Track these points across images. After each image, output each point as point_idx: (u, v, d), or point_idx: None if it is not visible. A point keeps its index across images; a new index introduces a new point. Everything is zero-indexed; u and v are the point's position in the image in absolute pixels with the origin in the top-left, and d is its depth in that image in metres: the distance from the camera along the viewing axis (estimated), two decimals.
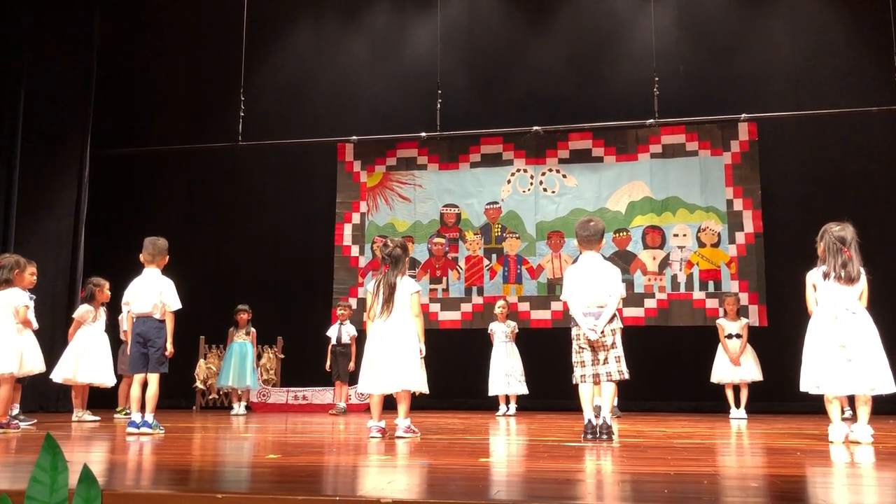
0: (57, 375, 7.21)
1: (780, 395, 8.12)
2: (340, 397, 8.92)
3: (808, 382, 4.74)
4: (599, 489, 2.77)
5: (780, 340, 8.29)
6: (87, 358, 7.28)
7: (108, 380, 7.43)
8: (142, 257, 5.76)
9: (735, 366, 7.91)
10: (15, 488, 2.63)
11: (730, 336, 8.03)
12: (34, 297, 6.26)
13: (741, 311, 8.42)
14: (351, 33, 10.69)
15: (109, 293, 7.56)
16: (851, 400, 5.06)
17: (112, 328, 7.85)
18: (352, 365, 8.74)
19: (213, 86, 10.36)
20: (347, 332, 8.98)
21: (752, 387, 7.96)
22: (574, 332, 4.86)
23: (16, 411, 6.48)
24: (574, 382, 4.85)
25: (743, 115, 9.14)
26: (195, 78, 10.69)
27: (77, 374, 7.25)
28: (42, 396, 8.40)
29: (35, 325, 6.14)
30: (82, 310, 7.49)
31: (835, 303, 4.68)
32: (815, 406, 6.19)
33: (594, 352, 4.78)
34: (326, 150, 10.40)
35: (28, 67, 8.72)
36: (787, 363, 6.78)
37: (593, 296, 4.81)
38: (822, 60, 9.37)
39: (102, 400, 8.16)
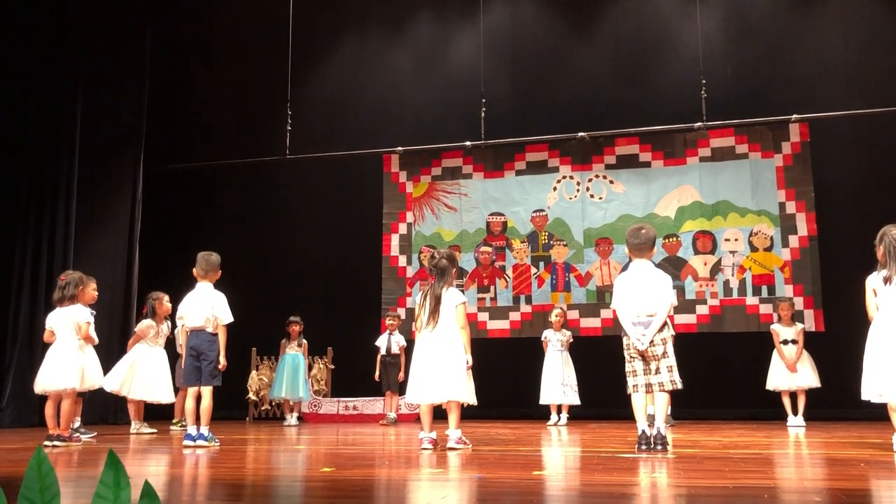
0: (107, 385, 7.33)
1: (838, 401, 7.90)
2: (391, 408, 8.95)
3: (871, 390, 4.60)
4: None
5: (837, 346, 8.08)
6: (141, 374, 7.43)
7: (164, 397, 7.57)
8: (195, 272, 5.87)
9: (791, 372, 7.73)
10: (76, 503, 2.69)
11: (785, 342, 7.85)
12: (94, 312, 6.42)
13: (796, 316, 8.22)
14: (395, 45, 10.78)
15: (169, 305, 7.71)
16: None
17: (169, 342, 8.01)
18: (401, 375, 8.76)
19: (261, 101, 10.53)
20: (396, 342, 9.01)
21: (810, 393, 7.76)
22: (625, 341, 4.80)
23: (77, 424, 6.64)
24: (627, 392, 4.79)
25: (794, 116, 8.94)
26: (243, 93, 10.88)
27: (125, 389, 7.40)
28: (103, 408, 8.61)
29: (96, 340, 6.29)
30: (144, 324, 7.66)
31: None
32: (875, 413, 6.03)
33: (645, 361, 4.71)
34: (372, 161, 10.48)
35: (83, 86, 8.97)
36: (846, 369, 6.61)
37: (643, 305, 4.75)
38: (875, 58, 9.12)
39: (159, 412, 8.32)
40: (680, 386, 4.69)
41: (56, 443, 5.72)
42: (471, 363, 5.19)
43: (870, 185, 8.89)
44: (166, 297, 7.74)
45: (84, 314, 6.13)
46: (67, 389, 5.91)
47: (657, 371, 4.68)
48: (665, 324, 4.73)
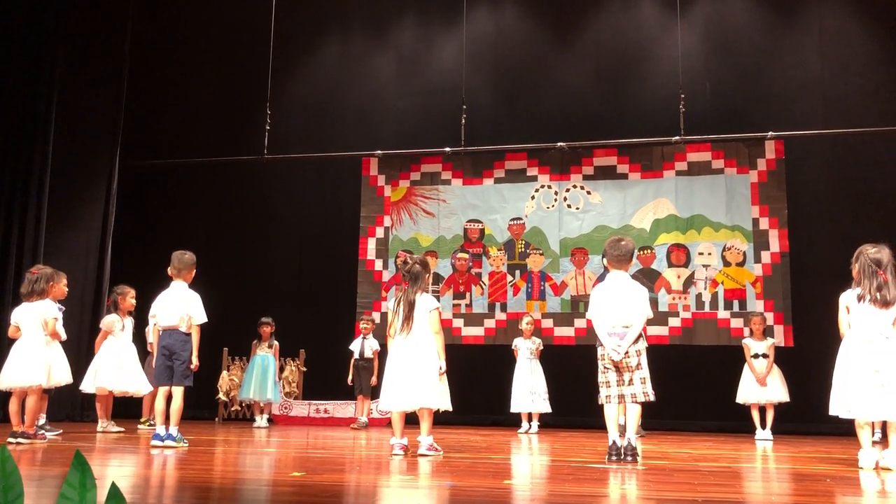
0: (86, 386, 7.27)
1: (805, 416, 8.01)
2: (362, 411, 8.91)
3: (839, 406, 4.66)
4: None
5: (805, 361, 8.19)
6: (115, 368, 7.33)
7: (142, 387, 7.47)
8: (169, 271, 5.80)
9: (761, 386, 7.81)
10: None
11: (756, 356, 7.93)
12: (63, 308, 6.32)
13: (767, 331, 8.31)
14: (377, 49, 10.76)
15: (134, 301, 7.61)
16: (882, 425, 4.97)
17: (139, 340, 7.91)
18: (374, 379, 8.73)
19: (241, 100, 10.46)
20: (370, 346, 8.98)
21: (778, 408, 7.85)
22: (600, 351, 4.82)
23: (42, 421, 6.54)
24: (600, 402, 4.80)
25: (770, 133, 9.05)
26: (223, 92, 10.79)
27: (106, 384, 7.29)
28: (69, 406, 8.48)
29: (63, 336, 6.19)
30: (108, 319, 7.55)
31: (868, 326, 4.60)
32: (841, 428, 6.11)
33: (619, 372, 4.73)
34: (351, 164, 10.45)
35: (59, 80, 8.84)
36: (813, 384, 6.70)
37: (619, 316, 4.76)
38: (852, 77, 9.27)
39: (127, 410, 8.21)
40: (652, 398, 4.71)
41: (20, 440, 5.63)
42: (444, 369, 5.17)
43: (842, 203, 9.02)
44: (132, 292, 7.62)
45: (52, 310, 6.03)
46: (33, 386, 5.81)
47: (630, 382, 4.70)
48: (640, 335, 4.75)
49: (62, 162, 8.81)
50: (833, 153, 9.25)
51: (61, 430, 6.77)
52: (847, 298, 4.77)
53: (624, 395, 4.72)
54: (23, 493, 1.71)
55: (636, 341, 4.72)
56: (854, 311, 4.70)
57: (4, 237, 8.38)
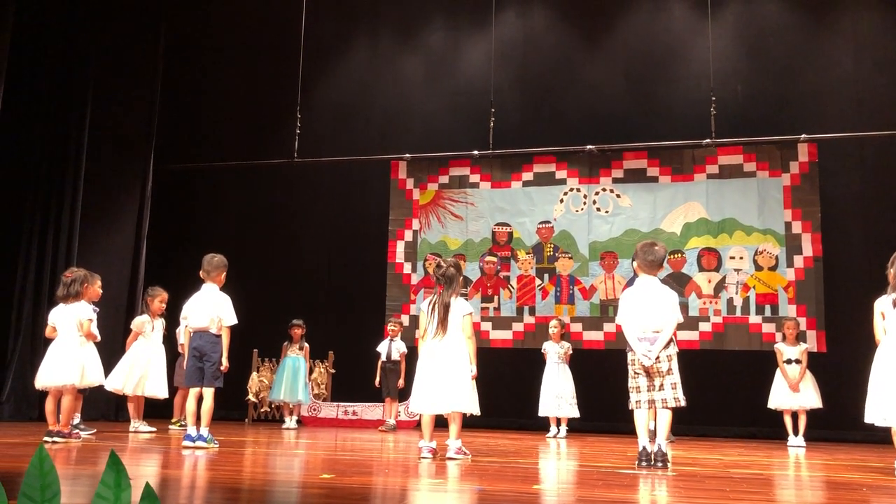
0: (109, 385, 7.35)
1: (839, 423, 7.90)
2: (390, 414, 8.93)
3: (875, 413, 4.58)
4: None
5: (838, 367, 8.07)
6: (141, 370, 7.43)
7: (160, 392, 7.56)
8: (200, 273, 5.88)
9: (794, 392, 7.70)
10: (74, 502, 2.68)
11: (788, 361, 7.82)
12: (98, 309, 6.42)
13: (800, 336, 8.19)
14: (406, 52, 10.80)
15: (164, 305, 7.71)
16: None
17: (169, 341, 8.00)
18: (401, 382, 8.75)
19: (271, 104, 10.55)
20: (397, 348, 8.99)
21: (811, 414, 7.73)
22: (630, 357, 4.78)
23: (76, 420, 6.64)
24: (630, 408, 4.77)
25: (803, 136, 8.93)
26: (254, 96, 10.89)
27: (127, 386, 7.40)
28: (104, 405, 8.61)
29: (98, 337, 6.29)
30: (139, 320, 7.65)
31: None
32: (876, 436, 6.01)
33: (650, 377, 4.69)
34: (380, 167, 10.49)
35: (95, 84, 8.99)
36: (847, 391, 6.60)
37: (650, 321, 4.72)
38: (885, 79, 9.11)
39: (158, 410, 8.31)
40: (683, 403, 4.66)
41: (56, 439, 5.72)
42: (475, 373, 5.18)
43: (876, 207, 8.87)
44: (162, 295, 7.71)
45: (87, 311, 6.13)
46: (67, 386, 5.91)
47: (661, 388, 4.66)
48: (671, 340, 4.71)
49: (96, 166, 8.96)
50: (866, 156, 9.11)
51: (95, 430, 6.87)
52: (882, 304, 4.69)
53: (654, 401, 4.68)
54: (59, 492, 1.74)
55: (667, 346, 4.68)
56: (889, 316, 4.62)
57: (40, 240, 8.55)
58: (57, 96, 8.87)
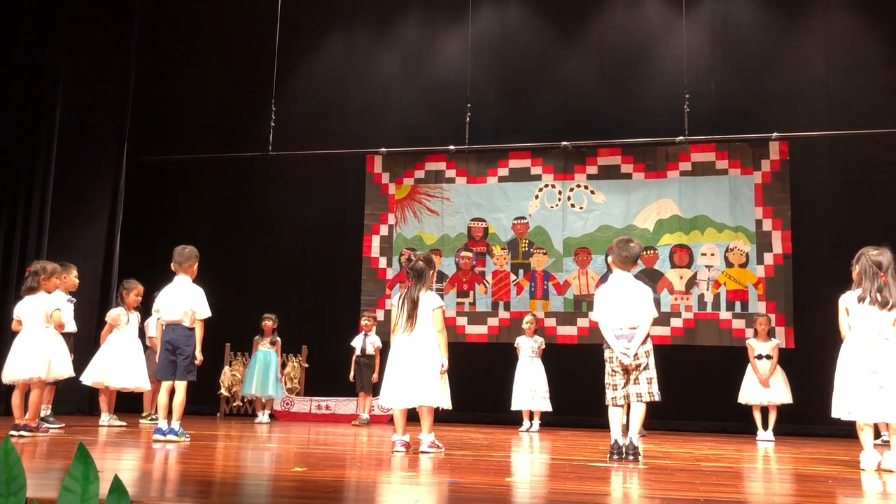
0: (86, 378, 7.29)
1: (807, 418, 8.02)
2: (363, 408, 8.92)
3: (840, 408, 4.66)
4: None
5: (807, 363, 8.19)
6: (118, 363, 7.34)
7: (143, 384, 7.49)
8: (172, 265, 5.83)
9: (764, 387, 7.80)
10: (41, 496, 2.65)
11: (759, 357, 7.92)
12: (74, 300, 6.34)
13: (771, 333, 8.30)
14: (382, 46, 10.76)
15: (139, 298, 7.63)
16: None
17: (141, 334, 7.93)
18: (375, 376, 8.74)
19: (246, 96, 10.47)
20: (372, 342, 8.98)
21: (780, 409, 7.84)
22: (607, 354, 4.80)
23: (46, 412, 6.56)
24: (606, 404, 4.80)
25: (774, 134, 9.04)
26: (228, 88, 10.79)
27: (107, 379, 7.31)
28: (78, 399, 8.52)
29: (67, 327, 6.21)
30: (114, 312, 7.57)
31: (868, 328, 4.61)
32: (843, 430, 6.12)
33: (626, 373, 4.73)
34: (355, 161, 10.45)
35: (65, 75, 8.85)
36: (815, 386, 6.71)
37: (625, 317, 4.76)
38: (857, 79, 9.24)
39: (129, 405, 8.23)
40: (658, 398, 4.71)
41: (22, 433, 5.65)
42: (447, 367, 5.17)
43: (845, 205, 9.00)
44: (137, 289, 7.63)
45: (53, 302, 6.05)
46: (34, 379, 5.83)
47: (636, 381, 4.70)
48: (647, 337, 4.75)
49: (67, 158, 8.82)
50: (836, 155, 9.23)
51: (63, 424, 6.78)
52: (847, 300, 4.78)
53: (630, 394, 4.72)
54: (25, 485, 1.71)
55: (644, 342, 4.72)
56: (854, 312, 4.70)
57: (8, 234, 8.39)
58: (27, 87, 8.71)
